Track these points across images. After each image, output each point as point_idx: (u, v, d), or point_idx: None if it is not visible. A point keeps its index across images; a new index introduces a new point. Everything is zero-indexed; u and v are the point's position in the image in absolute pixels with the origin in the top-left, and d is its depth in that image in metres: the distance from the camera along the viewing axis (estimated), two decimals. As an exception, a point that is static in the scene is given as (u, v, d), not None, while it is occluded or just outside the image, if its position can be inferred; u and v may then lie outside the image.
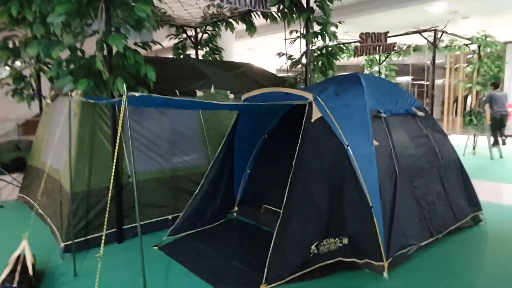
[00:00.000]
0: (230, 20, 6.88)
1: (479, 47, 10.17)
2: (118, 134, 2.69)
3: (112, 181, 3.12)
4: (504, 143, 9.17)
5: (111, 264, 3.53)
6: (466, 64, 10.64)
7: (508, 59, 10.47)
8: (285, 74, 6.79)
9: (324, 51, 5.48)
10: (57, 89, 4.71)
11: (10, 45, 5.45)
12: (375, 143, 3.54)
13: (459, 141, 9.48)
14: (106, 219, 2.84)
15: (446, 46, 10.59)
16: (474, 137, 9.90)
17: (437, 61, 15.58)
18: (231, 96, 5.32)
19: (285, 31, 5.87)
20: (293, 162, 3.29)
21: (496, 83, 9.11)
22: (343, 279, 3.23)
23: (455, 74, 14.91)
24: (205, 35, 7.65)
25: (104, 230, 2.85)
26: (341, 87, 3.88)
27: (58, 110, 4.69)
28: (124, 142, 4.18)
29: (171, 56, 8.16)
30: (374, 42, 9.35)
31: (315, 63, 5.57)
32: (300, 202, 3.25)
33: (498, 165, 8.50)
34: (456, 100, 15.57)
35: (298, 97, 3.45)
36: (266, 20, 6.19)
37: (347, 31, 10.37)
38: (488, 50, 10.13)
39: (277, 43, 13.70)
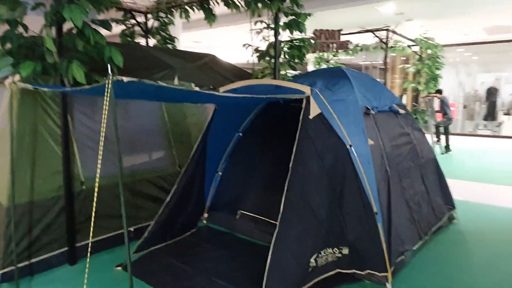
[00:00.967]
0: (187, 7, 6.27)
1: (421, 48, 10.67)
2: (102, 131, 2.07)
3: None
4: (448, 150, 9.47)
5: (64, 293, 2.86)
6: (409, 65, 11.09)
7: (445, 60, 11.15)
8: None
9: (294, 44, 5.14)
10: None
11: None
12: (370, 142, 3.29)
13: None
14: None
15: (391, 47, 10.95)
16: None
17: (375, 61, 16.22)
18: (196, 89, 4.76)
19: (250, 21, 5.46)
20: (290, 165, 2.89)
21: (440, 91, 9.52)
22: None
23: (391, 75, 15.64)
24: (157, 23, 6.92)
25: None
26: (330, 81, 3.57)
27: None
28: (74, 140, 3.46)
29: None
30: (328, 39, 9.34)
31: (286, 56, 5.21)
32: (297, 209, 2.86)
33: (443, 161, 8.92)
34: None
35: (292, 91, 3.05)
36: (228, 8, 5.70)
37: (300, 27, 10.22)
38: (429, 51, 10.67)
39: (229, 35, 13.25)
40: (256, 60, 5.80)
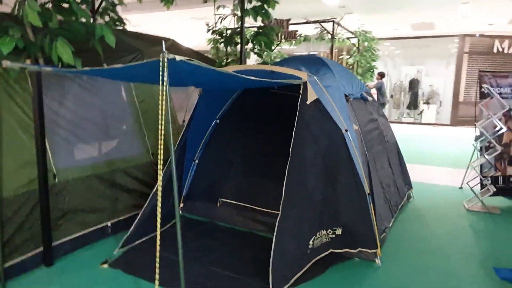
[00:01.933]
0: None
1: (358, 41, 11.31)
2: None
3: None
4: None
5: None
6: (348, 56, 11.70)
7: (380, 53, 11.97)
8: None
9: (264, 31, 5.13)
10: None
11: None
12: (355, 127, 3.45)
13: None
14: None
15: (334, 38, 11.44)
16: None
17: (315, 52, 16.79)
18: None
19: (214, 6, 5.33)
20: (290, 150, 2.92)
21: (383, 73, 10.25)
22: (338, 272, 3.05)
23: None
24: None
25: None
26: (313, 68, 3.66)
27: None
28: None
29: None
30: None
31: (254, 42, 5.19)
32: (296, 193, 2.91)
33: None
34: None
35: (288, 76, 3.06)
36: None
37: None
38: (366, 44, 11.36)
39: (169, 20, 12.66)
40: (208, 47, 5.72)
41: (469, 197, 4.92)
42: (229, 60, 5.54)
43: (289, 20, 9.29)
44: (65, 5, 2.63)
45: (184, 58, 1.70)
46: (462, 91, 15.08)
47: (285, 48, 12.58)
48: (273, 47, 7.04)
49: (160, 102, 1.87)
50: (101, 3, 5.97)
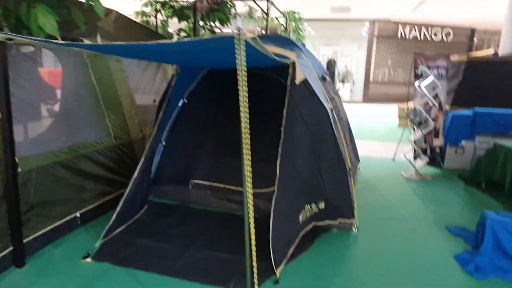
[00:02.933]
0: None
1: (286, 21, 11.59)
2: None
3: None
4: None
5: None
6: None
7: (306, 33, 12.45)
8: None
9: (218, 6, 4.98)
10: None
11: None
12: (330, 106, 3.62)
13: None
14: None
15: (258, 17, 11.53)
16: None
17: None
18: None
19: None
20: (282, 129, 2.96)
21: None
22: (323, 244, 3.25)
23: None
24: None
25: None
26: (287, 47, 3.70)
27: None
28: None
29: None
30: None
31: (209, 18, 5.00)
32: (288, 172, 2.99)
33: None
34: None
35: (277, 56, 3.05)
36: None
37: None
38: (293, 24, 11.70)
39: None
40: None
41: (403, 167, 5.55)
42: (180, 35, 5.28)
43: (223, -4, 9.12)
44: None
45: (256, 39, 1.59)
46: (372, 72, 16.54)
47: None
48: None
49: (239, 84, 1.72)
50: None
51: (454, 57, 6.49)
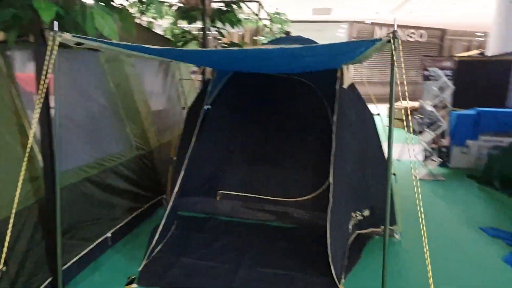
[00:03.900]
0: None
1: (271, 23, 11.51)
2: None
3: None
4: None
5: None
6: (262, 37, 11.79)
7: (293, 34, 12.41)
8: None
9: (229, 8, 4.77)
10: None
11: None
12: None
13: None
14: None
15: (246, 19, 11.37)
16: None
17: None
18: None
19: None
20: (333, 136, 2.82)
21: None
22: (369, 252, 3.14)
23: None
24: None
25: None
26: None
27: None
28: (28, 123, 2.34)
29: None
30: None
31: (221, 20, 4.78)
32: (340, 180, 2.85)
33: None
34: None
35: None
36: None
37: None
38: (278, 26, 11.63)
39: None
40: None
41: (414, 168, 5.57)
42: (186, 38, 5.02)
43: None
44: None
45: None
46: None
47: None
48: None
49: (391, 84, 1.51)
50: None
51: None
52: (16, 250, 2.09)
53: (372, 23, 16.47)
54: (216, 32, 5.10)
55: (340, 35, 16.62)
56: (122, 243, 3.09)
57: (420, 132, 5.49)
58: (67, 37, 1.75)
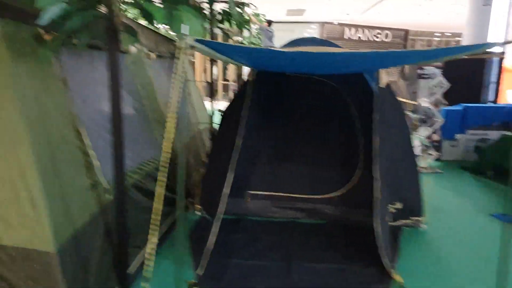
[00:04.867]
0: None
1: (251, 22, 11.57)
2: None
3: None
4: None
5: None
6: (241, 38, 11.82)
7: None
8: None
9: (238, 8, 4.77)
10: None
11: None
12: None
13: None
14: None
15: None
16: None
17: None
18: (153, 56, 3.78)
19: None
20: (372, 134, 2.93)
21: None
22: (406, 244, 3.27)
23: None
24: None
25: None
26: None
27: None
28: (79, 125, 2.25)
29: None
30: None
31: (228, 22, 4.77)
32: (381, 175, 2.98)
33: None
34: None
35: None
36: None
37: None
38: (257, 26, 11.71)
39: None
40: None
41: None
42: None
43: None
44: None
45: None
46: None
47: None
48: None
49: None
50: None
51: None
52: (92, 258, 2.01)
53: (341, 24, 16.99)
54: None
55: (309, 35, 16.99)
56: (164, 249, 3.02)
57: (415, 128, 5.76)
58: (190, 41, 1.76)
